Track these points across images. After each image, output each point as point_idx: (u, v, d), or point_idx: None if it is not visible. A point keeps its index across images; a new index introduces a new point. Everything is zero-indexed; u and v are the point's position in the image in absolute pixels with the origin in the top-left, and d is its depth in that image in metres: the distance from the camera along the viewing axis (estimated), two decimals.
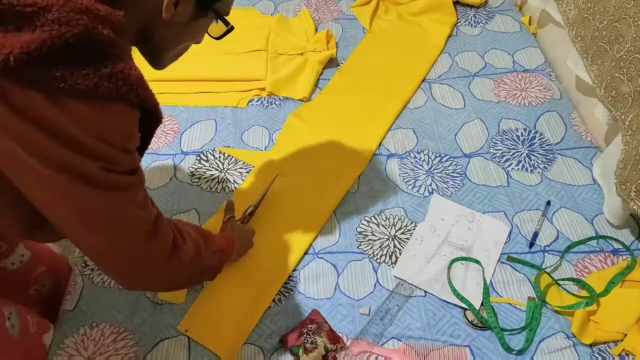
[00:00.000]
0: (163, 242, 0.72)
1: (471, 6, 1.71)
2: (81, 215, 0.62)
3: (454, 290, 1.02)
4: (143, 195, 0.69)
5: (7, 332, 0.81)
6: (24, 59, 0.51)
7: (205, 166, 1.25)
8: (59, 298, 1.02)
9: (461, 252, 1.09)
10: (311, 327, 0.95)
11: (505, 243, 1.11)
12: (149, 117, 0.66)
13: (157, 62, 0.75)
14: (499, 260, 1.08)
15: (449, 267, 1.06)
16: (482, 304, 1.01)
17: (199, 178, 1.23)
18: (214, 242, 0.87)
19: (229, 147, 1.29)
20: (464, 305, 1.01)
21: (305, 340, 0.93)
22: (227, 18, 0.75)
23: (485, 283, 1.03)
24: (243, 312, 1.00)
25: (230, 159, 1.27)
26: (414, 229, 1.14)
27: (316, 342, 0.93)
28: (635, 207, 1.02)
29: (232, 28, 0.76)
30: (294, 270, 1.07)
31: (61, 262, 1.07)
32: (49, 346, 0.93)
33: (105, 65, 0.57)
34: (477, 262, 1.07)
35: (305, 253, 1.10)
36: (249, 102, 1.42)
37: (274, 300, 1.02)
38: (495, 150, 1.30)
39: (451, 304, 1.02)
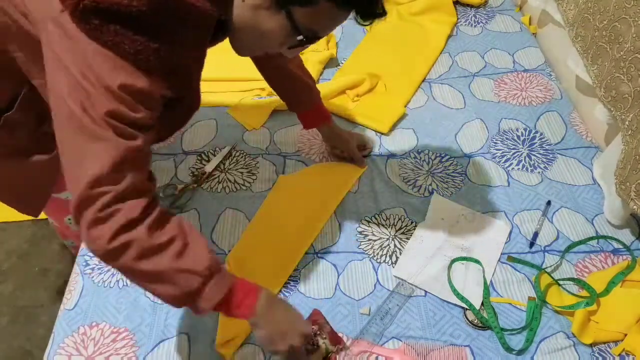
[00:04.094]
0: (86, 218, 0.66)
1: (471, 6, 1.72)
2: (61, 112, 0.67)
3: (454, 290, 1.02)
4: (111, 162, 0.65)
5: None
6: (92, 7, 0.61)
7: (205, 166, 1.25)
8: None
9: (461, 252, 1.09)
10: (313, 328, 0.95)
11: (506, 243, 1.11)
12: (180, 104, 0.75)
13: (235, 48, 0.80)
14: (499, 260, 1.08)
15: (449, 267, 1.06)
16: (482, 304, 1.01)
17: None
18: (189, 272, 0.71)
19: (225, 146, 1.29)
20: (464, 305, 1.01)
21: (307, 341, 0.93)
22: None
23: (485, 283, 1.03)
24: None
25: (231, 159, 1.27)
26: (414, 229, 1.13)
27: (317, 343, 0.93)
28: (635, 207, 1.02)
29: (304, 42, 0.74)
30: (294, 270, 1.07)
31: None
32: None
33: (156, 41, 0.65)
34: (477, 262, 1.07)
35: (306, 253, 1.09)
36: None
37: None
38: (496, 150, 1.30)
39: (451, 303, 1.02)
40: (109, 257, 0.68)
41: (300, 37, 0.73)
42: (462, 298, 1.01)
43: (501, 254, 1.09)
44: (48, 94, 0.68)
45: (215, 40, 0.78)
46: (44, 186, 1.04)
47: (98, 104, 0.64)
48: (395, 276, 1.06)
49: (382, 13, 0.73)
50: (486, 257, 1.08)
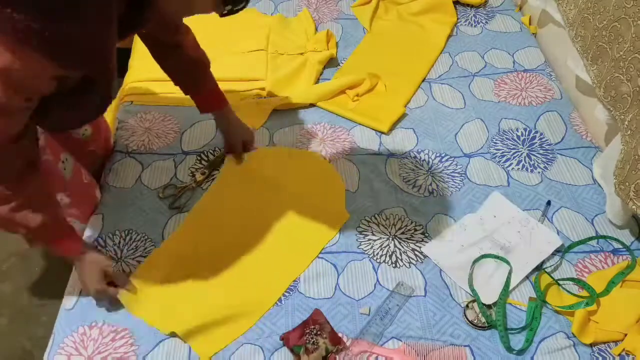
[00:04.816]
0: None
1: (471, 6, 1.72)
2: None
3: (470, 284, 1.03)
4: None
5: (60, 172, 1.01)
6: None
7: (205, 166, 1.25)
8: (99, 175, 1.22)
9: (500, 251, 1.09)
10: (314, 328, 0.95)
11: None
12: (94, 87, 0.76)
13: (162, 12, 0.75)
14: (534, 269, 1.06)
15: (477, 260, 1.07)
16: (494, 303, 1.01)
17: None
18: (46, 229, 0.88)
19: (223, 148, 1.28)
20: (470, 294, 1.01)
21: (307, 341, 0.93)
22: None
23: (508, 284, 1.03)
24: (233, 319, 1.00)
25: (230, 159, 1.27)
26: (415, 229, 1.13)
27: (318, 343, 0.93)
28: (634, 207, 1.02)
29: (234, 10, 0.73)
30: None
31: (109, 146, 1.26)
32: (99, 198, 1.16)
33: (41, 21, 0.60)
34: (507, 262, 1.06)
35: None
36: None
37: None
38: (496, 150, 1.30)
39: (452, 304, 1.02)
40: None
41: (228, 7, 0.72)
42: (473, 290, 1.02)
43: (540, 264, 1.07)
44: None
45: (135, 10, 0.74)
46: None
47: None
48: (422, 253, 1.09)
49: None
50: (523, 262, 1.07)
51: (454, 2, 1.69)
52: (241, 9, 0.74)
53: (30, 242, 0.92)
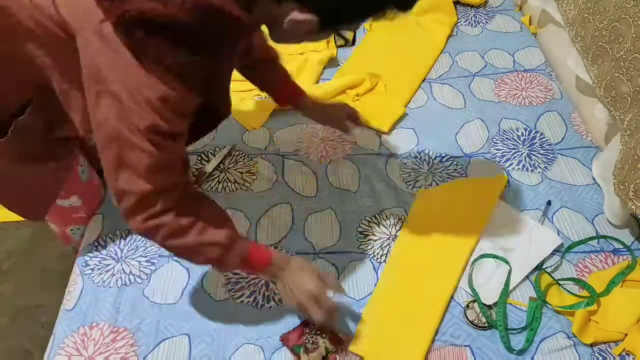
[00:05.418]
0: (146, 211, 0.76)
1: (471, 6, 1.72)
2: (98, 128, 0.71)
3: (470, 283, 1.03)
4: (159, 164, 0.73)
5: (79, 175, 1.06)
6: (137, 18, 0.61)
7: (205, 166, 1.25)
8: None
9: (500, 251, 1.09)
10: (313, 328, 0.95)
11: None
12: (210, 111, 0.79)
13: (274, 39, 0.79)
14: (534, 268, 1.06)
15: (477, 260, 1.07)
16: (494, 304, 1.01)
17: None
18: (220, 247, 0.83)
19: (225, 146, 1.28)
20: (471, 294, 1.01)
21: (307, 341, 0.93)
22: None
23: (508, 284, 1.03)
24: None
25: (231, 159, 1.27)
26: None
27: (317, 342, 0.93)
28: (633, 207, 1.02)
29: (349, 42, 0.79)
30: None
31: None
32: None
33: (197, 54, 0.66)
34: (507, 262, 1.07)
35: (305, 253, 1.09)
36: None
37: (274, 300, 1.02)
38: (496, 150, 1.30)
39: (452, 304, 1.02)
40: (145, 236, 0.81)
41: (342, 41, 0.78)
42: (473, 290, 1.02)
43: (539, 264, 1.07)
44: (71, 102, 0.75)
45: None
46: (49, 193, 1.03)
47: (139, 119, 0.67)
48: None
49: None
50: (522, 261, 1.06)
51: (454, 2, 1.69)
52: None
53: (221, 264, 0.87)
